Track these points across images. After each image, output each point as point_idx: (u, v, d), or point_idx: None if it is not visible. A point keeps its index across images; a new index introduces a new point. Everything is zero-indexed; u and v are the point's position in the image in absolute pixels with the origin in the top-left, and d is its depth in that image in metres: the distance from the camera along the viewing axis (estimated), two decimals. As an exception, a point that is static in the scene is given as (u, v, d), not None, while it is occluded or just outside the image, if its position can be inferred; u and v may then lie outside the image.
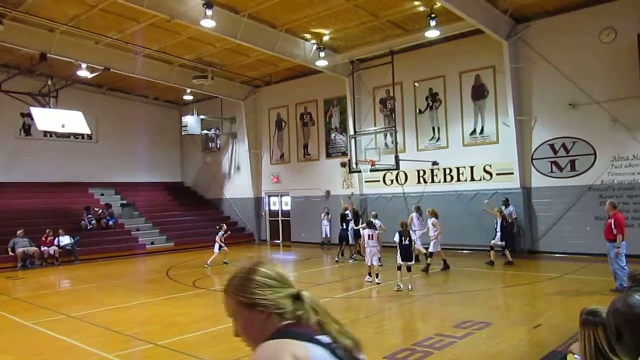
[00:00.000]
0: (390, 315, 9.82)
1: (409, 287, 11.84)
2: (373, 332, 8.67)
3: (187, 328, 9.15)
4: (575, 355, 3.63)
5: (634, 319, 2.00)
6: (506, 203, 16.97)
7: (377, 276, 12.93)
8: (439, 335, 7.92)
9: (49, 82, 19.58)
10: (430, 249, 14.52)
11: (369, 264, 13.02)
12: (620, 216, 10.82)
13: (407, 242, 12.18)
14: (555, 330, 8.06)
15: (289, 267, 17.91)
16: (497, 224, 15.39)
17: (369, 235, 13.02)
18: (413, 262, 12.49)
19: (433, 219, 14.70)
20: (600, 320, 2.37)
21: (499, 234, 15.21)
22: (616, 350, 2.15)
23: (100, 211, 22.94)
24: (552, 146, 16.83)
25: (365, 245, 13.10)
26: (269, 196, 26.26)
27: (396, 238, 12.23)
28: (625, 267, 10.16)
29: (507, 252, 15.20)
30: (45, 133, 22.69)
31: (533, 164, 17.23)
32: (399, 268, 12.14)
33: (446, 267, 14.49)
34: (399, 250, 12.20)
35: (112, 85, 25.75)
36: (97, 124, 25.21)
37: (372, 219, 14.35)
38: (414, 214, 15.98)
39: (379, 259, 13.10)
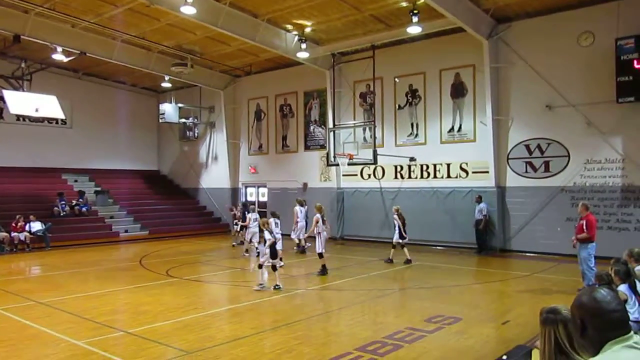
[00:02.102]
0: (363, 309, 9.89)
1: (278, 286, 11.29)
2: (345, 324, 8.72)
3: (159, 316, 9.10)
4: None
5: (599, 313, 2.05)
6: (479, 200, 17.20)
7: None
8: (410, 329, 8.01)
9: (23, 65, 19.19)
10: (318, 250, 13.58)
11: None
12: (592, 218, 11.03)
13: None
14: (522, 327, 8.22)
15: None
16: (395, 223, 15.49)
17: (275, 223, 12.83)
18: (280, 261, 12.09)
19: (317, 214, 14.14)
20: (561, 318, 2.40)
21: (397, 231, 15.35)
22: (575, 346, 2.19)
23: (74, 202, 22.52)
24: (527, 147, 17.07)
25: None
26: (246, 187, 26.18)
27: (267, 235, 11.34)
28: (594, 268, 10.37)
29: (405, 250, 15.28)
30: (19, 117, 22.24)
31: (508, 164, 17.46)
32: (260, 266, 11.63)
33: (323, 272, 13.26)
34: (269, 249, 11.41)
35: (89, 70, 25.29)
36: (72, 109, 24.75)
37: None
38: (297, 207, 16.63)
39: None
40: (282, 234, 13.31)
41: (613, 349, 1.99)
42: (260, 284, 11.40)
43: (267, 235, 11.30)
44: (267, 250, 11.31)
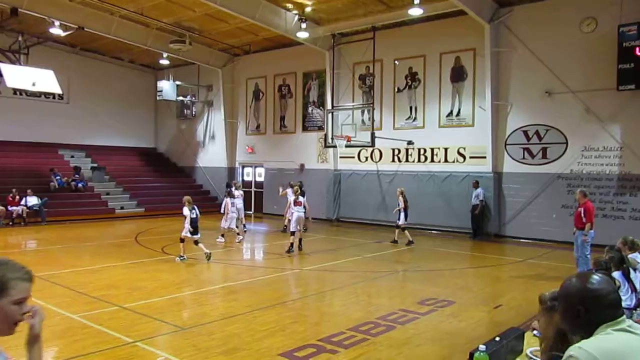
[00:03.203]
0: (357, 290, 9.94)
1: (186, 258, 12.30)
2: (339, 304, 8.78)
3: (153, 293, 9.14)
4: (535, 332, 3.74)
5: (593, 296, 2.06)
6: (476, 185, 17.21)
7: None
8: (403, 311, 8.07)
9: (20, 39, 18.97)
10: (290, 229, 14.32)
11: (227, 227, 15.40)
12: (590, 205, 11.02)
13: (194, 217, 12.41)
14: (515, 311, 8.29)
15: (259, 239, 17.95)
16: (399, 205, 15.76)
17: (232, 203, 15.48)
18: (198, 235, 12.57)
19: (292, 195, 15.47)
20: None
21: (402, 213, 15.61)
22: (569, 331, 2.20)
23: (71, 178, 22.43)
24: (525, 133, 17.05)
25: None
26: (243, 167, 26.14)
27: (185, 212, 12.37)
28: (589, 256, 10.42)
29: (406, 232, 15.57)
30: (15, 91, 22.01)
31: (506, 149, 17.45)
32: (182, 240, 12.45)
33: (290, 250, 13.64)
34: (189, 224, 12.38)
35: (86, 46, 25.05)
36: (69, 84, 24.54)
37: (233, 189, 16.59)
38: (288, 189, 17.01)
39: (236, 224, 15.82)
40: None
41: (606, 332, 2.00)
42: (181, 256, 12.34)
43: (185, 211, 12.36)
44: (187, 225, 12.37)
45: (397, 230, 15.78)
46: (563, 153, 16.30)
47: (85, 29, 19.64)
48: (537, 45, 16.55)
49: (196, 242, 12.46)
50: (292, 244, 13.77)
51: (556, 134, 16.41)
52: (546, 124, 16.60)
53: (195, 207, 12.59)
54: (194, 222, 12.37)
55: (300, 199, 14.43)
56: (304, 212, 14.51)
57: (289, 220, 15.66)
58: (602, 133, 15.55)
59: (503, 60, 17.33)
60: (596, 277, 2.12)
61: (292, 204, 14.87)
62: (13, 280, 2.03)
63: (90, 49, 25.58)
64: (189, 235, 12.34)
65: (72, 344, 6.37)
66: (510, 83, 17.28)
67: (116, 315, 7.68)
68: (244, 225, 17.52)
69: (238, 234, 16.01)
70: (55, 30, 19.16)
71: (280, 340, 6.60)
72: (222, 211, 16.11)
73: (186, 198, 12.62)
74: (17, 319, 2.03)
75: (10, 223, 18.64)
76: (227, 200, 15.80)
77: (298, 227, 14.05)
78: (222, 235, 15.58)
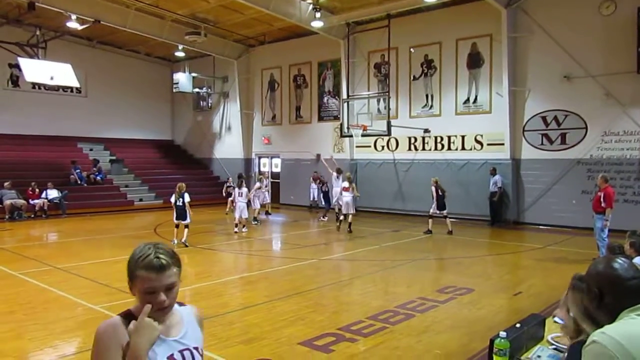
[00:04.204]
0: (375, 279, 9.95)
1: (176, 242, 12.83)
2: (357, 293, 8.79)
3: (173, 284, 9.21)
4: (556, 319, 3.70)
5: (616, 281, 2.03)
6: (493, 172, 17.07)
7: (243, 227, 15.58)
8: (422, 299, 8.05)
9: (38, 33, 19.13)
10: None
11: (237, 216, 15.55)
12: (610, 190, 10.94)
13: (180, 204, 12.90)
14: (535, 298, 8.23)
15: (276, 229, 18.02)
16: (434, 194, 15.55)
17: (239, 193, 15.77)
18: (187, 221, 12.96)
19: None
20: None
21: (435, 202, 15.46)
22: (598, 313, 2.18)
23: (89, 172, 22.72)
24: (544, 118, 16.84)
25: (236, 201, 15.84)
26: (260, 157, 26.22)
27: (172, 199, 13.15)
28: (606, 239, 10.33)
29: (430, 222, 15.45)
30: (34, 85, 22.26)
31: (524, 136, 17.26)
32: (177, 226, 13.08)
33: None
34: (174, 210, 13.04)
35: (103, 39, 25.23)
36: (86, 78, 24.77)
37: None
38: (334, 174, 18.35)
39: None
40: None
41: (630, 316, 1.98)
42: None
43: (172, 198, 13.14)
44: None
45: (430, 221, 15.50)
46: (582, 138, 16.08)
47: (102, 22, 19.75)
48: (555, 29, 16.29)
49: (177, 226, 13.05)
50: (350, 224, 15.38)
51: (575, 119, 16.19)
52: (565, 109, 16.37)
53: (184, 195, 13.03)
54: (177, 209, 12.93)
55: (347, 184, 15.68)
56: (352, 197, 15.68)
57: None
58: (622, 117, 15.30)
59: (520, 46, 17.10)
60: (618, 263, 2.09)
61: (341, 190, 16.21)
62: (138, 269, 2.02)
63: (107, 42, 25.77)
64: (174, 220, 13.04)
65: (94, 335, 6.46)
66: (528, 68, 17.05)
67: (137, 306, 7.75)
68: (255, 218, 17.54)
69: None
70: (72, 24, 19.32)
71: (299, 329, 6.63)
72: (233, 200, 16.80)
73: (178, 185, 13.33)
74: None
75: (32, 216, 18.95)
76: (236, 190, 16.20)
77: (350, 210, 15.45)
78: (244, 226, 15.77)
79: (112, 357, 1.86)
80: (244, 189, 16.08)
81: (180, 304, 2.19)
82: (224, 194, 21.01)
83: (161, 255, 2.00)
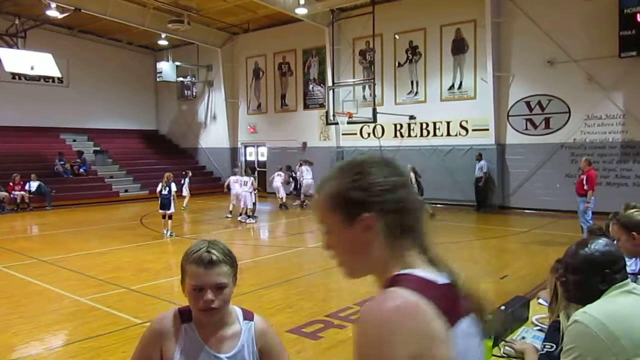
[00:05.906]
0: (362, 265, 9.98)
1: (168, 233, 12.98)
2: (345, 280, 8.73)
3: (161, 274, 9.21)
4: (540, 301, 3.76)
5: (598, 260, 2.06)
6: (479, 157, 17.16)
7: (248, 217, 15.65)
8: (409, 284, 8.09)
9: (17, 22, 18.83)
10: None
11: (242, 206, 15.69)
12: (593, 173, 11.15)
13: (165, 192, 13.02)
14: (521, 280, 8.33)
15: (263, 217, 17.99)
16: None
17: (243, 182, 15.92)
18: (171, 210, 13.10)
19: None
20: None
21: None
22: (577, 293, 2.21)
23: (72, 163, 22.42)
24: (527, 103, 16.94)
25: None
26: (245, 146, 26.11)
27: (158, 188, 13.28)
28: (590, 221, 10.48)
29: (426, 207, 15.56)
30: (14, 75, 21.90)
31: (509, 121, 17.36)
32: (164, 217, 13.12)
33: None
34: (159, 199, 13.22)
35: (84, 28, 24.81)
36: (68, 67, 24.37)
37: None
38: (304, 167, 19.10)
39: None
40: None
41: (611, 295, 2.01)
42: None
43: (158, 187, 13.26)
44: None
45: None
46: (566, 123, 16.22)
47: (82, 10, 19.37)
48: (538, 14, 16.34)
49: (163, 217, 13.12)
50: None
51: (559, 103, 16.31)
52: (548, 93, 16.48)
53: (171, 184, 13.11)
54: (162, 198, 13.02)
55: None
56: None
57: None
58: (604, 101, 15.44)
59: (504, 31, 17.14)
60: (598, 242, 2.12)
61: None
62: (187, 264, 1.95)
63: (88, 31, 25.33)
64: (159, 210, 13.16)
65: (81, 327, 6.44)
66: (512, 54, 17.11)
67: (124, 297, 7.74)
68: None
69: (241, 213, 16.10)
70: (52, 12, 18.87)
71: (288, 316, 6.66)
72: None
73: (166, 174, 13.34)
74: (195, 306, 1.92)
75: (16, 209, 18.71)
76: (236, 179, 16.36)
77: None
78: (249, 216, 15.76)
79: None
80: (249, 179, 16.08)
81: (247, 317, 2.04)
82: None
83: (213, 251, 1.91)
